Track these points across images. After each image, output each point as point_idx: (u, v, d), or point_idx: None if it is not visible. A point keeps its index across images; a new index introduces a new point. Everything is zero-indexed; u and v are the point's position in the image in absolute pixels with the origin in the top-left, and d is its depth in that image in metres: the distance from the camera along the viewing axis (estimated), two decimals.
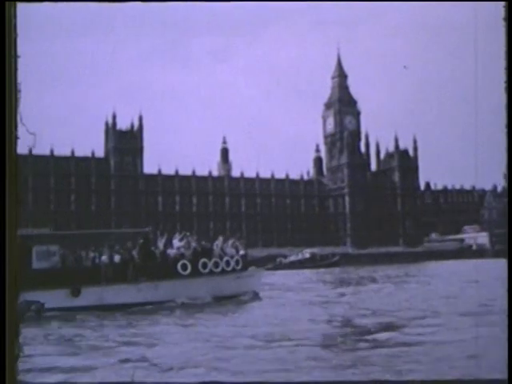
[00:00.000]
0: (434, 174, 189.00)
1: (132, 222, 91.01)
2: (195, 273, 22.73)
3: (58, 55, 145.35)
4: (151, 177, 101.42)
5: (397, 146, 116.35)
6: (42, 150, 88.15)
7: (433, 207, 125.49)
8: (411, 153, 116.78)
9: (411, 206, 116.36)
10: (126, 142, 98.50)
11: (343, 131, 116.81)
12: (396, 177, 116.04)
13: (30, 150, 67.94)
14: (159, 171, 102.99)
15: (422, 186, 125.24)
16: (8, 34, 5.13)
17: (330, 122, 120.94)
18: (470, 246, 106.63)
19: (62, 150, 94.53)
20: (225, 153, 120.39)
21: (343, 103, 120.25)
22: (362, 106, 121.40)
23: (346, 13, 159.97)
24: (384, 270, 55.49)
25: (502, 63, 5.34)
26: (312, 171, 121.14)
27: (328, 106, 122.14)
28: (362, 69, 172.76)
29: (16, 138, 5.25)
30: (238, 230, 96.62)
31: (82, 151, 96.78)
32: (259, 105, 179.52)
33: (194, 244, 23.75)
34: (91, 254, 22.15)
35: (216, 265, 23.26)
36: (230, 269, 23.57)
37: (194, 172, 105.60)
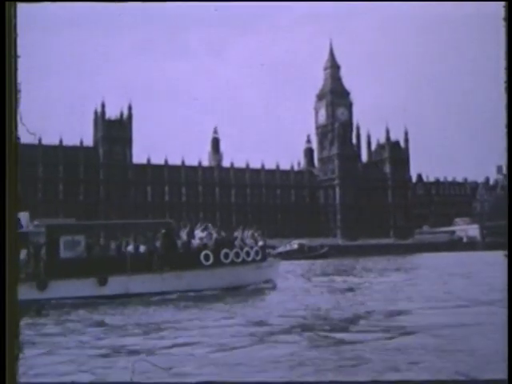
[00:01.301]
0: (427, 166, 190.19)
1: (120, 211, 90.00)
2: (217, 263, 23.20)
3: (51, 48, 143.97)
4: (140, 166, 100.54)
5: (388, 138, 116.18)
6: (29, 138, 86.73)
7: (425, 199, 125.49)
8: (402, 144, 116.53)
9: (402, 198, 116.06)
10: (115, 132, 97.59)
11: (335, 122, 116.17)
12: (387, 168, 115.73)
13: (18, 139, 66.70)
14: (148, 161, 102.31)
15: (414, 178, 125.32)
16: (8, 34, 5.13)
17: (322, 113, 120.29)
18: (461, 239, 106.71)
19: (51, 139, 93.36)
20: (216, 143, 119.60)
21: (335, 94, 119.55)
22: (354, 97, 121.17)
23: (341, 5, 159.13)
24: (365, 262, 55.29)
25: (502, 63, 5.30)
26: (303, 162, 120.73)
27: (320, 97, 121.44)
28: (355, 61, 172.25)
29: (16, 138, 5.26)
30: (227, 220, 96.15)
31: (70, 140, 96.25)
32: (252, 96, 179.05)
33: (215, 235, 24.34)
34: (116, 244, 22.71)
35: (237, 255, 23.82)
36: (250, 259, 24.15)
37: (183, 162, 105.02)
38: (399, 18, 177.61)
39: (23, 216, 21.73)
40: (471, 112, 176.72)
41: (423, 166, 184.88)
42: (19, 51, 5.19)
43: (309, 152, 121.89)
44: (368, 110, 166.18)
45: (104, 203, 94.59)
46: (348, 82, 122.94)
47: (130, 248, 22.35)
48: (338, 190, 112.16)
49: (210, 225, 25.88)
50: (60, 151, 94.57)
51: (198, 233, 24.26)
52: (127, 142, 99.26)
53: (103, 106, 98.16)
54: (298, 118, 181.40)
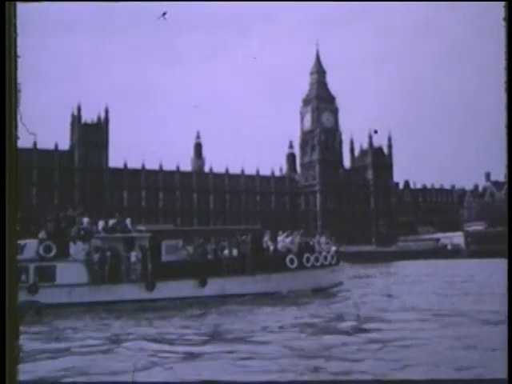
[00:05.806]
0: (415, 172, 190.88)
1: (96, 216, 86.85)
2: (300, 266, 25.34)
3: (35, 51, 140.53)
4: (117, 171, 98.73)
5: (371, 144, 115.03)
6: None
7: (411, 206, 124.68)
8: (386, 150, 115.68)
9: (385, 204, 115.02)
10: (91, 135, 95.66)
11: (317, 128, 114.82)
12: (369, 174, 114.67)
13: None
14: (125, 165, 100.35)
15: (402, 185, 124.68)
16: (8, 34, 5.13)
17: (308, 118, 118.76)
18: (445, 246, 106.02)
19: (25, 143, 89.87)
20: (198, 148, 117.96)
21: (321, 100, 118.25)
22: (341, 103, 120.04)
23: (332, 11, 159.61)
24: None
25: (502, 63, 5.30)
26: (285, 167, 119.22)
27: (306, 102, 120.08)
28: (344, 66, 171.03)
29: (16, 137, 5.26)
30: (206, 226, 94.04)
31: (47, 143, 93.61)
32: (237, 101, 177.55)
33: (298, 240, 26.25)
34: (213, 248, 24.53)
35: (316, 259, 25.89)
36: (327, 263, 26.28)
37: (161, 167, 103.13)
38: (396, 20, 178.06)
39: (128, 221, 24.42)
40: (461, 119, 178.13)
41: (411, 172, 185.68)
42: (19, 51, 5.20)
43: (291, 157, 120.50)
44: (355, 116, 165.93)
45: (79, 208, 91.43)
46: (336, 87, 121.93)
47: (226, 252, 24.32)
48: (318, 195, 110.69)
49: (290, 231, 27.78)
50: (34, 154, 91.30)
51: (283, 238, 26.17)
52: (103, 145, 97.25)
53: (79, 109, 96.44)
54: (286, 123, 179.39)
